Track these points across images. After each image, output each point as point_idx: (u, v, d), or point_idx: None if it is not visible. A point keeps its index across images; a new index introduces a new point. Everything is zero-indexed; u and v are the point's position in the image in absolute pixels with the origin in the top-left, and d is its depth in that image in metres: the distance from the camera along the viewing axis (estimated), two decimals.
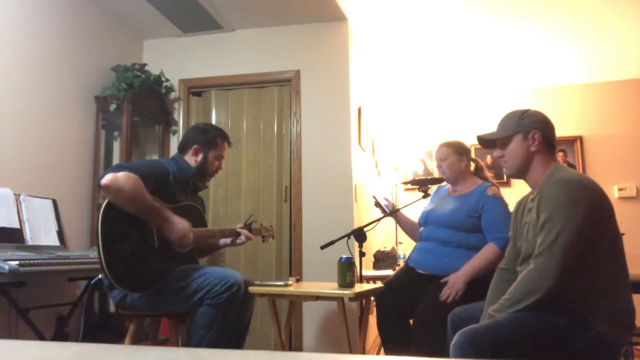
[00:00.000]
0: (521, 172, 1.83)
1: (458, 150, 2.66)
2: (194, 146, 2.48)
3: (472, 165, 2.74)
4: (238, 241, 2.60)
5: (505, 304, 1.65)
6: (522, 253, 1.79)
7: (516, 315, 1.61)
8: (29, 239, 2.66)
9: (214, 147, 2.50)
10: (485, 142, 1.92)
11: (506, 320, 1.62)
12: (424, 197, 2.80)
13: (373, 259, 4.02)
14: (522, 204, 1.93)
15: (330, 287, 2.44)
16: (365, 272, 3.29)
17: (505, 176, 4.84)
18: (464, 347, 1.56)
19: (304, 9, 3.55)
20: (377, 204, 2.86)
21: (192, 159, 2.48)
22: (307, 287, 2.56)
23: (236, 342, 2.39)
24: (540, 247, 1.61)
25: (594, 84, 5.04)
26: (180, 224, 2.23)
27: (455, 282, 2.36)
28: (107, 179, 2.07)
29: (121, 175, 2.08)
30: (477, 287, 2.24)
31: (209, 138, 2.50)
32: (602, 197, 1.65)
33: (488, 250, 2.39)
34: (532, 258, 1.65)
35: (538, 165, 1.78)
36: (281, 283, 2.53)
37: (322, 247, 2.62)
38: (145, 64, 3.77)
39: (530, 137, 1.78)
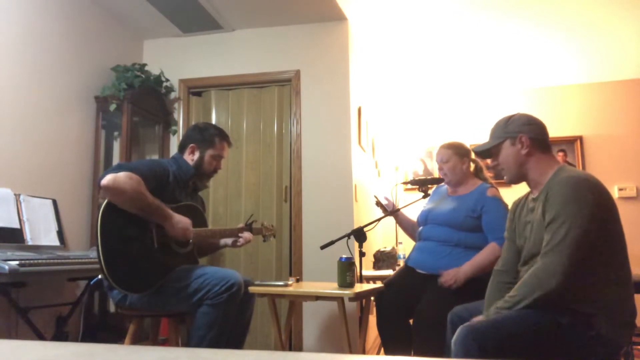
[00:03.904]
0: (519, 177, 1.84)
1: (459, 152, 2.66)
2: (191, 145, 2.48)
3: (472, 166, 2.74)
4: (238, 243, 2.60)
5: (511, 300, 1.65)
6: (525, 253, 1.79)
7: (519, 312, 1.62)
8: (29, 239, 2.65)
9: (211, 147, 2.48)
10: (482, 154, 1.93)
11: (509, 317, 1.62)
12: (424, 197, 2.80)
13: (373, 259, 4.02)
14: (519, 203, 1.93)
15: (330, 287, 2.44)
16: (365, 272, 3.29)
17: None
18: (466, 341, 1.56)
19: (304, 9, 3.55)
20: (378, 203, 2.87)
21: (189, 158, 2.48)
22: (307, 287, 2.56)
23: (236, 342, 2.39)
24: (548, 246, 1.61)
25: (594, 84, 5.04)
26: (181, 218, 2.25)
27: (456, 273, 2.37)
28: (107, 179, 2.06)
29: (121, 175, 2.08)
30: (477, 286, 2.24)
31: (206, 137, 2.49)
32: (608, 197, 1.65)
33: (490, 250, 2.40)
34: (539, 256, 1.65)
35: (535, 166, 1.79)
36: (281, 283, 2.53)
37: (322, 247, 2.63)
38: (145, 64, 3.76)
39: (518, 141, 1.79)
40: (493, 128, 1.88)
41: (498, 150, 1.85)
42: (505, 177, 1.88)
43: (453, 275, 2.38)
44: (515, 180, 1.86)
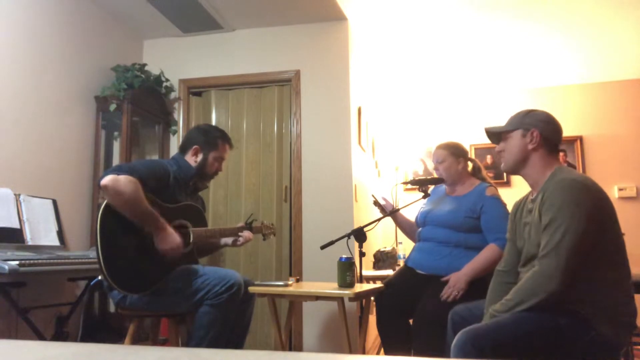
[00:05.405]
0: (516, 168, 1.85)
1: (455, 152, 2.66)
2: (194, 146, 2.48)
3: (470, 166, 2.73)
4: (238, 242, 2.60)
5: (508, 304, 1.65)
6: (524, 254, 1.79)
7: (518, 315, 1.62)
8: (29, 239, 2.65)
9: (214, 149, 2.49)
10: (493, 136, 1.94)
11: (508, 320, 1.62)
12: (424, 197, 2.80)
13: (373, 259, 4.02)
14: (520, 204, 1.93)
15: (330, 287, 2.44)
16: (365, 272, 3.29)
17: (505, 176, 4.84)
18: (465, 347, 1.56)
19: (304, 9, 3.55)
20: (376, 203, 2.86)
21: (191, 159, 2.48)
22: (307, 287, 2.56)
23: (236, 342, 2.40)
24: (545, 249, 1.61)
25: (594, 84, 5.04)
26: (173, 236, 2.20)
27: (456, 281, 2.36)
28: (107, 179, 2.07)
29: (122, 178, 2.08)
30: (478, 285, 2.24)
31: (210, 139, 2.50)
32: (604, 198, 1.65)
33: (490, 251, 2.39)
34: (537, 259, 1.65)
35: (536, 163, 1.79)
36: (281, 283, 2.53)
37: (322, 247, 2.62)
38: (145, 64, 3.76)
39: (529, 134, 1.80)
40: (512, 116, 1.90)
41: (508, 136, 1.86)
42: (503, 165, 1.90)
43: (453, 285, 2.36)
44: (511, 170, 1.88)
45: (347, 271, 2.42)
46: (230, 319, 2.25)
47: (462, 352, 1.56)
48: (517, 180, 4.71)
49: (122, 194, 2.07)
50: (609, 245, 1.64)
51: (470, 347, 1.56)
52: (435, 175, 2.74)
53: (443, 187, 2.77)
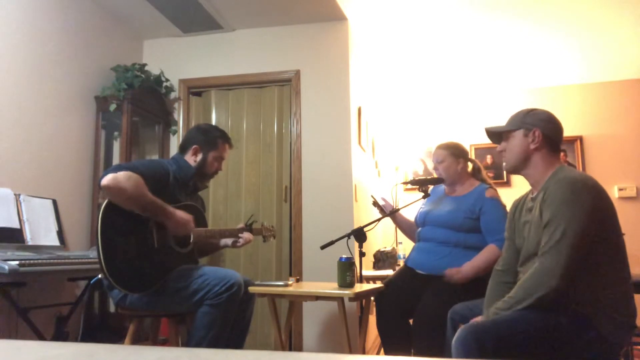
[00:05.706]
0: (518, 168, 1.85)
1: (454, 152, 2.66)
2: (194, 146, 2.48)
3: (470, 166, 2.73)
4: (237, 243, 2.60)
5: (509, 302, 1.65)
6: (523, 253, 1.79)
7: (519, 313, 1.62)
8: (29, 239, 2.65)
9: (214, 148, 2.49)
10: (493, 136, 1.93)
11: (509, 317, 1.62)
12: (424, 197, 2.80)
13: (373, 259, 4.02)
14: (519, 203, 1.94)
15: (330, 287, 2.44)
16: (365, 272, 3.29)
17: (505, 176, 4.84)
18: (467, 341, 1.56)
19: (304, 9, 3.55)
20: (375, 204, 2.86)
21: (191, 159, 2.48)
22: (307, 287, 2.56)
23: (236, 342, 2.40)
24: (546, 247, 1.62)
25: (594, 84, 5.04)
26: (183, 214, 2.25)
27: (457, 271, 2.38)
28: (107, 179, 2.07)
29: (121, 175, 2.08)
30: (477, 285, 2.24)
31: (209, 139, 2.50)
32: (605, 197, 1.65)
33: (490, 251, 2.40)
34: (537, 257, 1.65)
35: (538, 163, 1.79)
36: (281, 283, 2.53)
37: (322, 247, 2.62)
38: (145, 64, 3.76)
39: (531, 134, 1.80)
40: (512, 115, 1.89)
41: (509, 136, 1.85)
42: (504, 164, 1.90)
43: (455, 272, 2.39)
44: (513, 170, 1.87)
45: (347, 271, 2.42)
46: (230, 319, 2.25)
47: (463, 347, 1.56)
48: (517, 180, 4.71)
49: (124, 190, 2.07)
50: (609, 244, 1.64)
51: (472, 341, 1.56)
52: (435, 175, 2.74)
53: (442, 187, 2.78)
